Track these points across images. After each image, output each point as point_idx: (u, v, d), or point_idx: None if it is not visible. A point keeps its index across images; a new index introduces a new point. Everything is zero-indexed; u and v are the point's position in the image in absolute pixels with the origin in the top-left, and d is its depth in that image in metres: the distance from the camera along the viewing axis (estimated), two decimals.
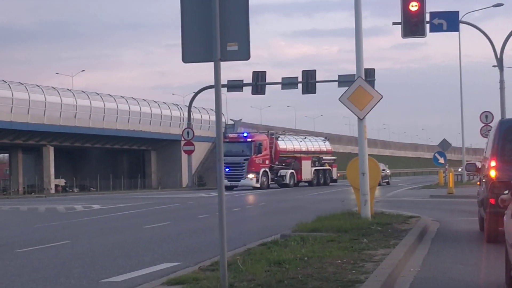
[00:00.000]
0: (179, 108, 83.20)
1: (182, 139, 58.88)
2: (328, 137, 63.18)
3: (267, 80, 48.80)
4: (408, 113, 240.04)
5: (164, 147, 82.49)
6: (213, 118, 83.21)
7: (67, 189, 73.82)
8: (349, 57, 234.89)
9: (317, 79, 47.98)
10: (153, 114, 78.95)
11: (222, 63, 8.62)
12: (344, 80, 44.87)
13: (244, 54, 8.63)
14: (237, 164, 49.31)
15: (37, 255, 13.71)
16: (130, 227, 20.24)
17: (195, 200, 36.69)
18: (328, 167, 57.97)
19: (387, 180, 56.68)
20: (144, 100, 79.81)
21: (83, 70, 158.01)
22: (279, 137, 54.74)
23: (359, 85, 16.58)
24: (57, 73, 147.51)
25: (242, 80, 49.87)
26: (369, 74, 41.59)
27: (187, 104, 66.46)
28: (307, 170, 54.56)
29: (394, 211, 20.56)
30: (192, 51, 8.76)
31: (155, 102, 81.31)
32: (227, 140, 50.57)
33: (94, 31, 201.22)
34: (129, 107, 76.38)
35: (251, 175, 49.87)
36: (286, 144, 54.36)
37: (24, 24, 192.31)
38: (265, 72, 48.42)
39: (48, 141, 71.73)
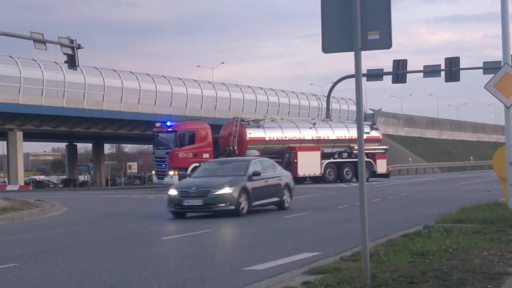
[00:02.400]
0: (318, 99, 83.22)
1: None
2: (374, 123, 49.07)
3: (408, 69, 47.99)
4: None
5: None
6: (352, 108, 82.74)
7: None
8: (494, 43, 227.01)
9: (460, 67, 46.81)
10: (291, 105, 79.39)
11: (361, 52, 8.51)
12: (489, 67, 43.77)
13: (385, 42, 8.49)
14: (161, 159, 41.40)
15: (182, 243, 14.11)
16: (270, 217, 20.43)
17: (335, 190, 36.59)
18: (367, 159, 45.69)
19: None
20: (283, 91, 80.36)
21: (222, 63, 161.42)
22: (248, 123, 43.82)
23: (506, 72, 15.95)
24: (198, 66, 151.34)
25: (382, 69, 49.29)
26: None
27: (326, 94, 66.31)
28: (312, 164, 43.59)
29: None
30: (332, 41, 8.69)
31: (293, 92, 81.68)
32: (155, 131, 42.55)
33: (233, 23, 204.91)
34: (267, 98, 77.14)
35: (171, 172, 40.33)
36: (265, 132, 43.53)
37: (165, 19, 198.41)
38: (406, 60, 47.71)
39: None
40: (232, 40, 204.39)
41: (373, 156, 46.75)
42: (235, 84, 76.75)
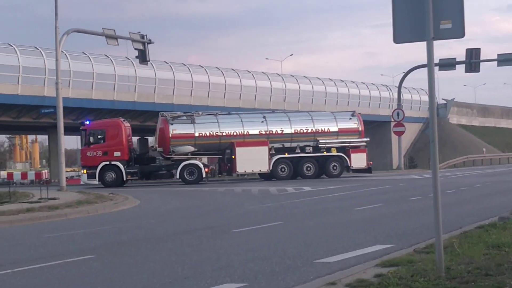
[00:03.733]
0: (388, 89, 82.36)
1: (392, 120, 58.32)
2: (354, 113, 44.86)
3: (481, 57, 47.03)
4: None
5: (374, 129, 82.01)
6: (424, 98, 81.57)
7: None
8: None
9: None
10: (361, 95, 78.81)
11: (433, 41, 8.37)
12: None
13: (458, 31, 8.33)
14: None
15: (252, 236, 14.15)
16: (341, 209, 20.33)
17: (407, 182, 36.15)
18: (337, 154, 42.06)
19: None
20: (352, 82, 79.82)
21: (291, 55, 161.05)
22: (173, 119, 42.23)
23: None
24: (266, 59, 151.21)
25: (455, 58, 48.42)
26: None
27: (397, 85, 65.55)
28: (256, 159, 40.28)
29: None
30: (404, 31, 8.58)
31: (363, 83, 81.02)
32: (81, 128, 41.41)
33: (302, 15, 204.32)
34: (337, 89, 76.77)
35: (82, 170, 40.84)
36: (195, 128, 41.30)
37: (234, 12, 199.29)
38: (479, 49, 46.75)
39: None
40: (301, 31, 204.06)
41: (347, 149, 42.33)
42: (304, 76, 76.60)
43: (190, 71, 65.99)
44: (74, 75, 56.77)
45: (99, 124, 40.77)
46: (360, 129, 43.05)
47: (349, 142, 42.13)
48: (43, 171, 39.39)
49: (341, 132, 42.22)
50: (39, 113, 48.75)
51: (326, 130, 42.03)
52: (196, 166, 39.73)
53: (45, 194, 26.49)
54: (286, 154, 41.38)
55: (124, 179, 38.67)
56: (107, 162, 38.38)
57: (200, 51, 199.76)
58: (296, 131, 41.77)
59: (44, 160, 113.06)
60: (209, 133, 40.76)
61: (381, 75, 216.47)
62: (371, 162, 45.45)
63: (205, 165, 40.59)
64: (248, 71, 71.49)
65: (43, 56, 55.39)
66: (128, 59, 57.26)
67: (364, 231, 13.97)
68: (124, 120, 41.08)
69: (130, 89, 61.33)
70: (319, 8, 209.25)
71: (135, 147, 42.60)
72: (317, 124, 41.81)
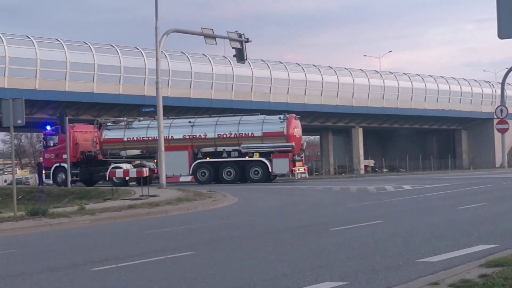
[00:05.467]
0: (491, 85, 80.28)
1: (495, 117, 56.88)
2: (285, 117, 42.35)
3: None
4: None
5: (475, 126, 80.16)
6: None
7: (376, 169, 74.87)
8: None
9: None
10: (463, 92, 77.10)
11: None
12: None
13: None
14: None
15: (351, 234, 14.01)
16: (443, 207, 19.89)
17: (511, 180, 35.09)
18: (258, 159, 40.75)
19: None
20: (453, 78, 78.19)
21: (390, 51, 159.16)
22: (106, 125, 43.31)
23: None
24: (364, 56, 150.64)
25: None
26: None
27: (500, 81, 63.75)
28: (178, 164, 39.75)
29: None
30: (509, 26, 8.28)
31: (464, 80, 79.26)
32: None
33: (400, 11, 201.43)
34: (437, 86, 75.36)
35: (43, 171, 43.49)
36: (125, 133, 42.17)
37: (331, 9, 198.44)
38: None
39: (356, 123, 73.29)
40: (399, 27, 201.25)
41: (271, 154, 40.65)
42: (403, 73, 75.53)
43: (287, 69, 66.12)
44: (173, 74, 57.83)
45: (54, 131, 42.85)
46: (285, 133, 40.51)
47: (273, 147, 40.38)
48: (144, 169, 40.60)
49: (266, 137, 40.73)
50: (139, 112, 49.86)
51: (250, 135, 40.77)
52: (121, 169, 39.84)
53: (146, 192, 27.06)
54: (208, 158, 41.02)
55: (69, 179, 39.66)
56: (58, 164, 40.95)
57: (297, 48, 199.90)
58: (219, 135, 41.12)
59: None
60: (137, 138, 41.59)
61: (484, 71, 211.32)
62: (306, 168, 43.58)
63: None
64: (345, 68, 71.05)
65: (143, 56, 56.65)
66: (226, 58, 57.88)
67: (467, 230, 13.61)
68: (73, 126, 42.97)
69: (228, 87, 61.98)
70: (419, 4, 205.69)
71: (93, 150, 43.99)
72: (241, 129, 40.58)
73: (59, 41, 54.01)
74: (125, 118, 43.72)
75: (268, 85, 64.25)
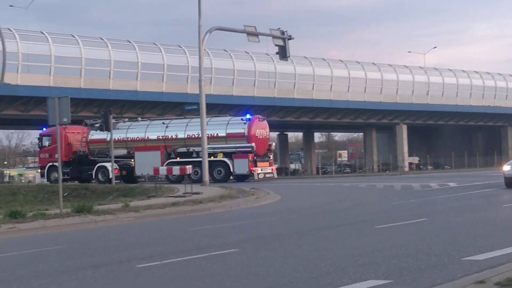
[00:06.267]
0: None
1: None
2: (245, 118, 42.84)
3: None
4: None
5: None
6: None
7: (421, 167, 74.25)
8: None
9: None
10: (509, 88, 76.05)
11: None
12: None
13: None
14: None
15: (396, 232, 13.89)
16: (488, 205, 19.63)
17: None
18: (221, 159, 41.58)
19: None
20: (499, 74, 77.14)
21: (435, 47, 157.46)
22: (92, 126, 44.95)
23: None
24: (408, 52, 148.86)
25: None
26: None
27: None
28: (151, 163, 39.34)
29: None
30: None
31: (511, 76, 78.12)
32: None
33: (445, 6, 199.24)
34: (483, 82, 74.42)
35: (39, 170, 46.31)
36: (107, 134, 41.99)
37: (373, 5, 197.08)
38: None
39: (401, 120, 72.75)
40: (444, 23, 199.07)
41: (232, 155, 41.60)
42: (448, 69, 74.72)
43: (329, 66, 65.92)
44: (216, 72, 58.04)
45: (47, 132, 45.02)
46: (246, 134, 41.17)
47: (234, 148, 41.29)
48: (187, 167, 41.05)
49: (229, 137, 41.73)
50: (182, 110, 50.16)
51: (215, 135, 41.51)
52: (105, 168, 42.74)
53: (189, 189, 27.18)
54: (178, 158, 42.07)
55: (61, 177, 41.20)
56: (51, 163, 42.97)
57: (340, 45, 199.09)
58: (188, 136, 42.31)
59: None
60: (117, 138, 42.74)
61: None
62: (274, 168, 44.20)
63: (115, 168, 42.29)
64: (389, 64, 70.55)
65: (186, 54, 56.97)
66: (268, 55, 57.92)
67: None
68: (65, 127, 44.21)
69: (270, 85, 62.00)
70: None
71: (85, 150, 45.58)
72: (208, 130, 40.47)
73: (103, 39, 54.59)
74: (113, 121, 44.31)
75: (311, 82, 64.08)
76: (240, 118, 42.33)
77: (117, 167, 42.66)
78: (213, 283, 8.98)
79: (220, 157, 41.02)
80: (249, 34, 37.67)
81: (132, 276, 9.89)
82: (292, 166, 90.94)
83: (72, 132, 45.16)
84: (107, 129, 38.85)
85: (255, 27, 37.99)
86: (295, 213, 19.74)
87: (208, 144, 39.44)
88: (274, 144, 44.58)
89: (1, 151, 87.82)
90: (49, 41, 51.46)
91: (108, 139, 42.43)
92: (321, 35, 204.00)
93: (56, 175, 42.62)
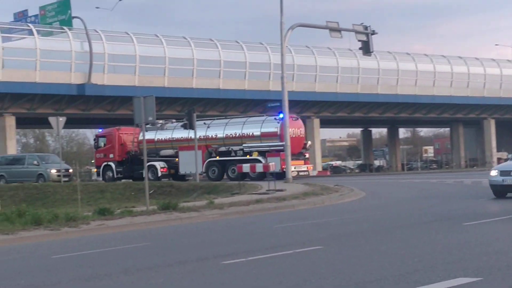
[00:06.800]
0: None
1: None
2: (277, 118, 42.16)
3: None
4: None
5: None
6: None
7: None
8: None
9: None
10: None
11: None
12: None
13: None
14: None
15: (485, 229, 13.58)
16: None
17: None
18: (256, 157, 41.45)
19: None
20: None
21: None
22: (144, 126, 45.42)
23: None
24: (496, 45, 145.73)
25: None
26: None
27: None
28: (194, 162, 39.77)
29: None
30: None
31: None
32: None
33: None
34: None
35: (94, 169, 48.88)
36: (156, 134, 45.27)
37: None
38: None
39: (488, 114, 71.12)
40: None
41: (266, 153, 41.61)
42: None
43: (414, 60, 64.98)
44: (298, 68, 57.98)
45: (103, 133, 48.01)
46: (278, 133, 41.27)
47: (268, 146, 41.91)
48: (270, 164, 41.44)
49: (263, 137, 42.37)
50: (265, 107, 50.29)
51: (250, 135, 42.58)
52: (154, 166, 44.44)
53: (273, 186, 27.23)
54: (217, 157, 43.40)
55: (115, 176, 45.12)
56: (106, 163, 45.67)
57: (424, 39, 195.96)
58: (226, 135, 43.57)
59: None
60: (164, 138, 45.25)
61: None
62: (309, 166, 44.51)
63: (162, 167, 44.52)
64: (476, 58, 69.02)
65: (268, 51, 57.11)
66: (351, 50, 57.46)
67: None
68: (118, 128, 46.94)
69: (353, 80, 61.55)
70: None
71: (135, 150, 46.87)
72: (244, 129, 42.46)
73: (186, 39, 55.27)
74: (161, 121, 46.27)
75: (395, 77, 63.32)
76: (273, 117, 43.05)
77: (166, 166, 44.58)
78: (298, 280, 8.93)
79: (255, 156, 41.98)
80: (331, 30, 37.45)
81: (218, 272, 9.94)
82: (377, 162, 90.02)
83: (125, 133, 47.00)
84: (191, 127, 39.32)
85: (337, 22, 37.74)
86: (380, 210, 19.52)
87: (245, 143, 41.32)
88: (309, 143, 45.19)
89: (88, 150, 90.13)
90: (134, 42, 52.44)
91: (156, 139, 44.94)
92: (405, 29, 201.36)
93: (111, 174, 45.92)
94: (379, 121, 73.91)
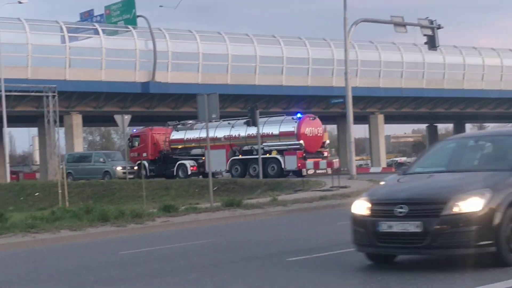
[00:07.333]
0: None
1: None
2: (295, 117, 43.13)
3: None
4: None
5: None
6: None
7: None
8: None
9: None
10: None
11: None
12: None
13: None
14: None
15: None
16: None
17: None
18: (275, 156, 42.24)
19: None
20: None
21: None
22: (175, 127, 47.54)
23: None
24: None
25: None
26: None
27: None
28: (219, 161, 42.35)
29: None
30: None
31: None
32: None
33: None
34: None
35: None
36: (185, 134, 46.45)
37: None
38: None
39: None
40: None
41: (284, 152, 42.24)
42: None
43: (481, 55, 63.79)
44: (362, 64, 57.47)
45: (137, 133, 49.31)
46: (296, 132, 42.09)
47: (285, 145, 42.51)
48: (334, 160, 41.40)
49: (282, 136, 42.84)
50: (328, 103, 50.08)
51: (270, 134, 42.93)
52: (184, 165, 45.31)
53: (337, 183, 27.05)
54: (240, 156, 43.95)
55: (148, 175, 45.51)
56: (139, 162, 45.94)
57: (492, 32, 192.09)
58: (248, 135, 43.78)
59: (333, 149, 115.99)
60: (192, 137, 45.97)
61: None
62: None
63: (192, 165, 45.48)
64: None
65: (331, 47, 56.77)
66: (416, 45, 56.67)
67: None
68: (152, 129, 47.96)
69: (418, 76, 60.75)
70: None
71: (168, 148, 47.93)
72: (265, 128, 42.51)
73: (249, 35, 55.38)
74: (191, 121, 47.00)
75: (461, 71, 62.28)
76: (291, 117, 44.02)
77: (196, 165, 45.60)
78: (365, 278, 8.82)
79: (274, 154, 42.86)
80: (396, 24, 36.98)
81: (283, 269, 9.90)
82: None
83: (158, 133, 48.04)
84: (254, 124, 39.41)
85: (402, 17, 37.23)
86: None
87: (265, 142, 41.87)
88: (328, 142, 45.50)
89: None
90: (197, 39, 52.80)
91: (185, 138, 46.02)
92: (472, 22, 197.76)
93: (145, 172, 46.24)
94: (445, 116, 72.75)
